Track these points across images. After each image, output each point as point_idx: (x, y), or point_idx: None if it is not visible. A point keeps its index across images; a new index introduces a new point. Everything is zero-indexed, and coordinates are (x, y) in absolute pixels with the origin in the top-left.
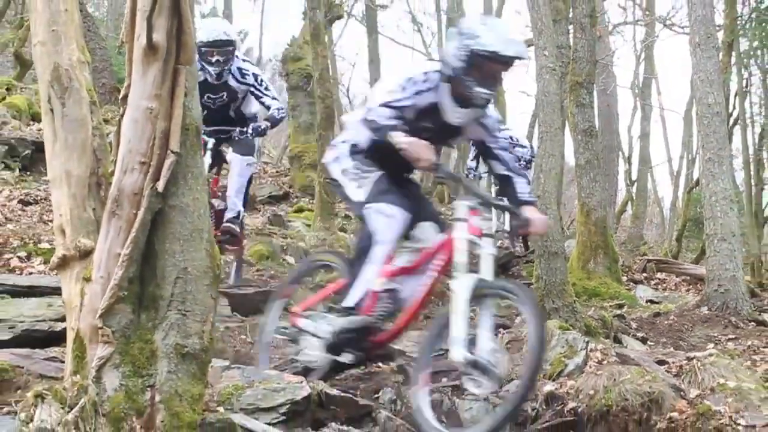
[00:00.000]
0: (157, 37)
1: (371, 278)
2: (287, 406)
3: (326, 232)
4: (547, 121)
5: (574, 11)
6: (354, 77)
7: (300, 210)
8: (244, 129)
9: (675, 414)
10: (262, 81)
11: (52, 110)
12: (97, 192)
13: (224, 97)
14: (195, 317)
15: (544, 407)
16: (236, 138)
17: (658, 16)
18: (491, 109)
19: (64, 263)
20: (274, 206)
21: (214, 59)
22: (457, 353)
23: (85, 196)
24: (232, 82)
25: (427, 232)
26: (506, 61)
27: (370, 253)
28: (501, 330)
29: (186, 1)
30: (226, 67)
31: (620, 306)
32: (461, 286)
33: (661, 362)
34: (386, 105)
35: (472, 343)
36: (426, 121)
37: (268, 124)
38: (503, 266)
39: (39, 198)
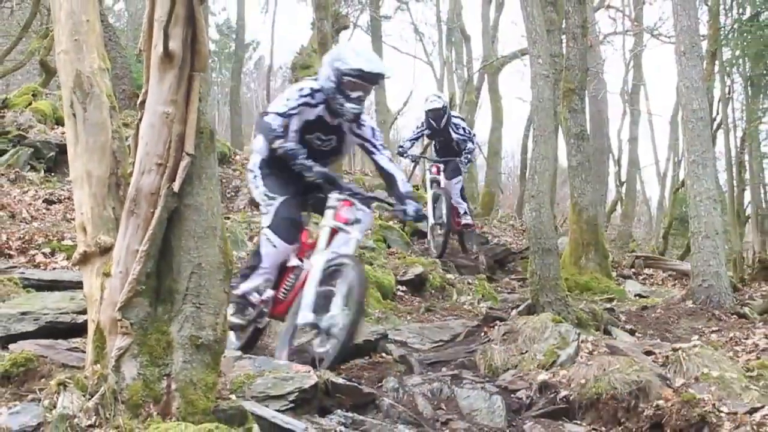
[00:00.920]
0: (173, 45)
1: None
2: (296, 394)
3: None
4: (542, 125)
5: (567, 22)
6: None
7: None
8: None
9: (661, 402)
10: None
11: (74, 115)
12: (116, 192)
13: (333, 141)
14: (209, 310)
15: (538, 395)
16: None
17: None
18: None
19: (85, 259)
20: None
21: (356, 95)
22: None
23: (105, 196)
24: (345, 128)
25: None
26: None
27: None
28: (497, 323)
29: (200, 11)
30: (362, 109)
31: (610, 300)
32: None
33: (648, 353)
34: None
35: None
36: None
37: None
38: (500, 261)
39: (62, 197)
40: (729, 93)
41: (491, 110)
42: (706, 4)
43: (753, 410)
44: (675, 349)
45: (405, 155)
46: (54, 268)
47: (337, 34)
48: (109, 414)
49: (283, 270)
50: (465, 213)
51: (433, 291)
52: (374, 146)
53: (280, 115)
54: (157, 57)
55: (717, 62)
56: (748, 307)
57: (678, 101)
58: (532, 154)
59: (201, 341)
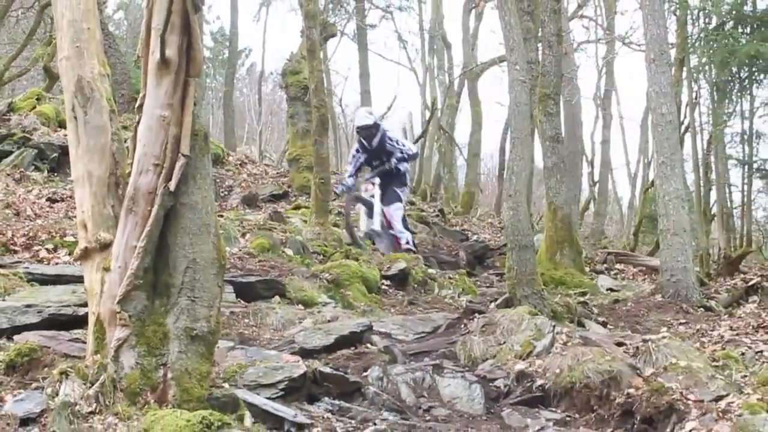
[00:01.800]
0: (170, 52)
1: None
2: (285, 383)
3: (321, 227)
4: (519, 128)
5: (542, 31)
6: (346, 89)
7: (297, 207)
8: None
9: (632, 390)
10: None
11: (75, 118)
12: (115, 191)
13: None
14: (203, 303)
15: (515, 384)
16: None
17: (618, 35)
18: None
19: (86, 254)
20: (274, 204)
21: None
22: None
23: (105, 195)
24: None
25: None
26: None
27: None
28: (477, 315)
29: (195, 20)
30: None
31: (583, 294)
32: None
33: (619, 344)
34: None
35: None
36: None
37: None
38: (479, 257)
39: (65, 196)
40: (696, 98)
41: (471, 114)
42: (675, 15)
43: (718, 398)
44: (645, 341)
45: (345, 193)
46: (57, 264)
47: (325, 42)
48: (109, 401)
49: None
50: (407, 243)
51: (415, 285)
52: None
53: None
54: (154, 63)
55: (685, 69)
56: (714, 301)
57: (648, 106)
58: (509, 155)
59: (196, 332)
